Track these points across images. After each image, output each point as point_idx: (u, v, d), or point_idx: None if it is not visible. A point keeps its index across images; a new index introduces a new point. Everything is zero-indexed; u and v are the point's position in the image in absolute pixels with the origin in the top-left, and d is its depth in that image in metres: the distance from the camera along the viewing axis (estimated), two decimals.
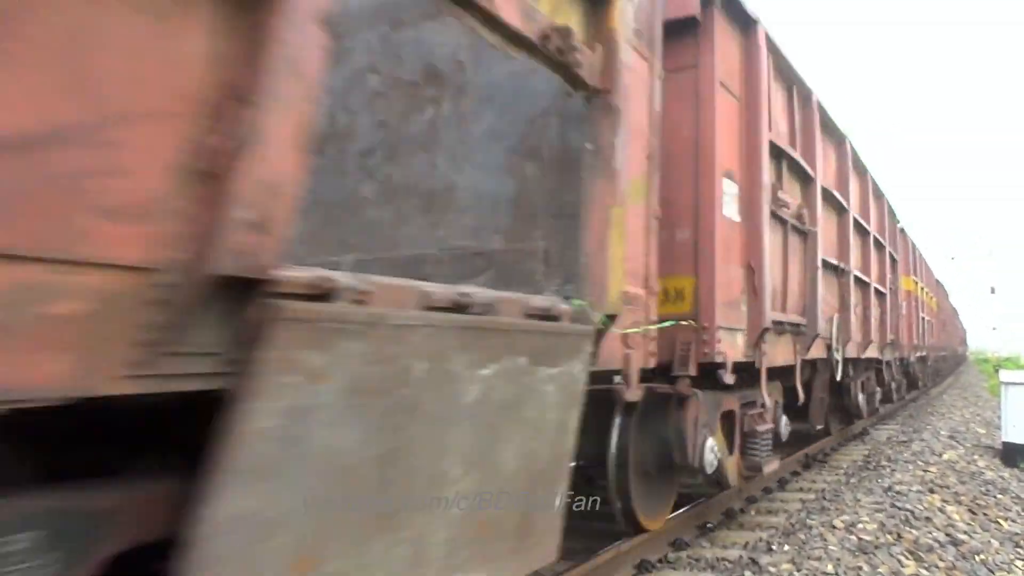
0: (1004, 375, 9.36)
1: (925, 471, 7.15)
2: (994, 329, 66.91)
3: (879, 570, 4.13)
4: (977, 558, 4.49)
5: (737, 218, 4.91)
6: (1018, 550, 4.85)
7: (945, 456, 8.23)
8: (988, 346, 66.96)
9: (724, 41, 4.84)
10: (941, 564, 4.30)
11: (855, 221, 8.67)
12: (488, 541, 2.00)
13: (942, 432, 10.58)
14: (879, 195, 10.92)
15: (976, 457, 8.42)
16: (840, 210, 8.15)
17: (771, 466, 5.46)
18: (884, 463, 7.82)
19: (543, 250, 2.76)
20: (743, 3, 5.09)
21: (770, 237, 5.27)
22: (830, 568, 4.12)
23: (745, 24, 5.22)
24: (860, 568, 4.14)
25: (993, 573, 4.31)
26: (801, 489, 6.87)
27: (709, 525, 5.22)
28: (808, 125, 6.78)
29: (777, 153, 5.74)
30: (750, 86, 5.20)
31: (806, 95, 6.81)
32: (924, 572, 4.17)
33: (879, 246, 10.50)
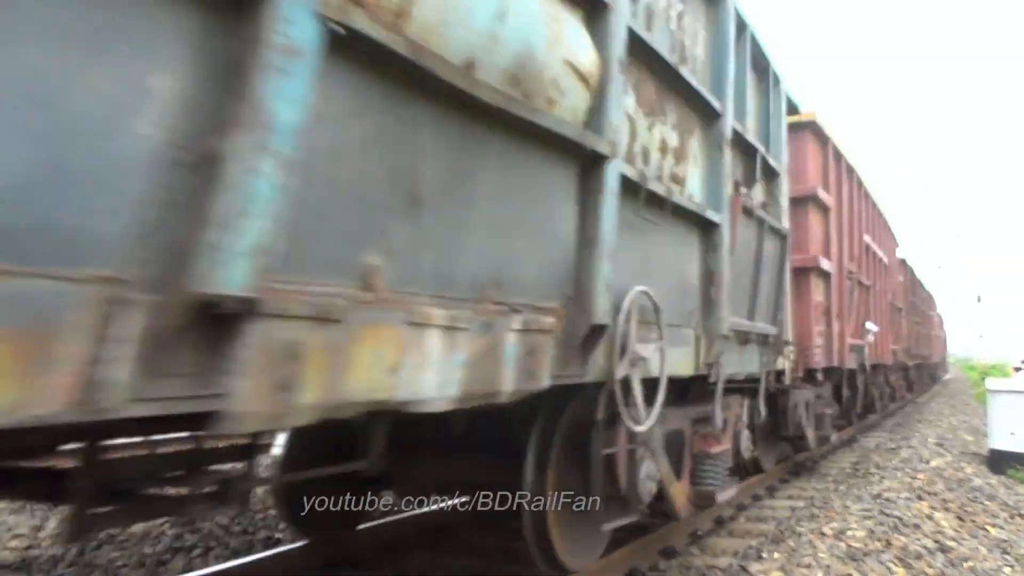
0: (991, 383, 9.43)
1: (913, 478, 7.18)
2: (981, 337, 67.51)
3: None
4: (965, 565, 4.51)
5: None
6: (1006, 556, 4.87)
7: (933, 463, 8.27)
8: (975, 353, 67.50)
9: None
10: (930, 571, 4.31)
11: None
12: None
13: (930, 439, 10.63)
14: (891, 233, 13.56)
15: (964, 464, 8.46)
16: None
17: (833, 437, 8.03)
18: (873, 470, 7.84)
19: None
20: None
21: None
22: (820, 575, 4.12)
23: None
24: (850, 575, 4.14)
25: None
26: (790, 496, 6.88)
27: (699, 532, 5.21)
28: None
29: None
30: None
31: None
32: None
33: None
